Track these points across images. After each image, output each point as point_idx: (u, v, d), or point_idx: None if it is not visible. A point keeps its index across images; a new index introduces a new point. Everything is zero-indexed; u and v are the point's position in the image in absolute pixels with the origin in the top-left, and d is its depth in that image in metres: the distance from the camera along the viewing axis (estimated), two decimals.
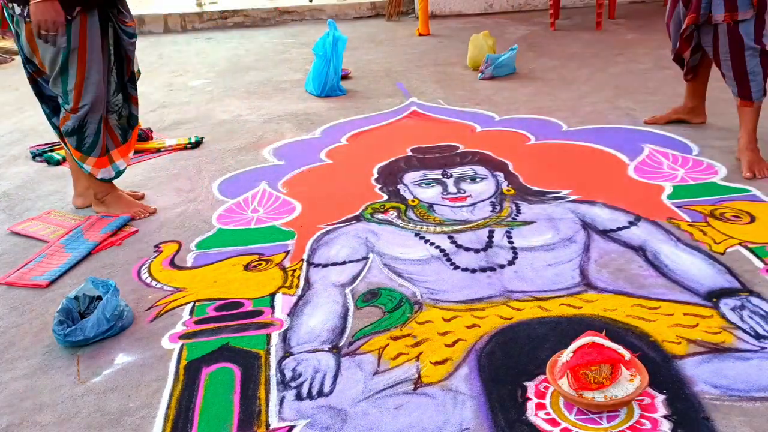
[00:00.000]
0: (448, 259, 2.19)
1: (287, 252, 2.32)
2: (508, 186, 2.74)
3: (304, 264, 2.23)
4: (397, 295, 1.99)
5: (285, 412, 1.55)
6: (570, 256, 2.16)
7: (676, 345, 1.68)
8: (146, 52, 6.15)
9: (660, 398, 1.50)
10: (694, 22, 2.82)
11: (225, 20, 7.43)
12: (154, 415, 1.58)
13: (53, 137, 3.27)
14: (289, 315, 1.94)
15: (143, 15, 7.34)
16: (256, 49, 6.10)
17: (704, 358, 1.63)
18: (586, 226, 2.36)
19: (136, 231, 2.58)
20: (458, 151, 3.17)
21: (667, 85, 4.06)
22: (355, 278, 2.12)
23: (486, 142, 3.28)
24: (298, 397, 1.60)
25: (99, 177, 2.67)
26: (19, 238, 2.60)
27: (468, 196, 2.65)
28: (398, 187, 2.80)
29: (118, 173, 2.74)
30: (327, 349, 1.77)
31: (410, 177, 2.89)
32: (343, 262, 2.21)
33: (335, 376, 1.66)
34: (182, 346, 1.83)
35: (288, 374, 1.68)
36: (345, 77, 4.71)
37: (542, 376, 1.59)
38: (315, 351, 1.76)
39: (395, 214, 2.55)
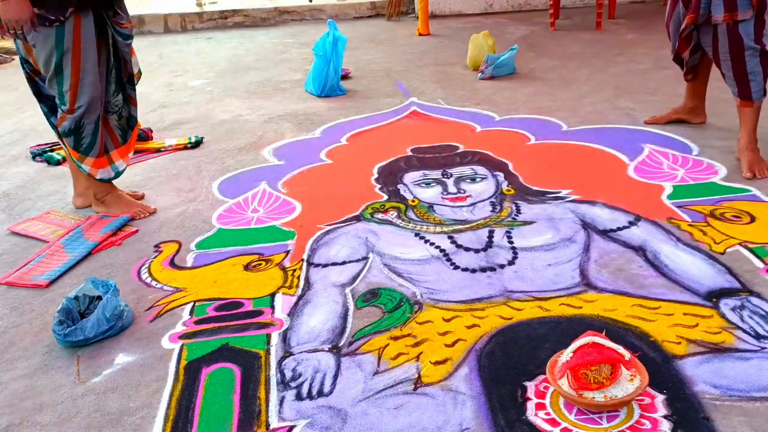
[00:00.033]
0: (448, 259, 2.19)
1: (287, 252, 2.32)
2: (508, 186, 2.74)
3: (304, 264, 2.23)
4: (397, 295, 1.99)
5: (285, 412, 1.55)
6: (570, 256, 2.16)
7: (676, 345, 1.68)
8: (146, 52, 6.15)
9: (660, 398, 1.50)
10: (694, 22, 2.82)
11: (225, 20, 7.43)
12: (154, 415, 1.58)
13: (53, 137, 3.27)
14: (289, 315, 1.94)
15: (143, 15, 7.35)
16: (256, 49, 6.10)
17: (704, 358, 1.63)
18: (586, 226, 2.36)
19: (136, 231, 2.58)
20: (458, 151, 3.17)
21: (667, 85, 4.06)
22: (355, 278, 2.12)
23: (486, 142, 3.28)
24: (298, 397, 1.60)
25: (98, 177, 2.67)
26: (19, 238, 2.60)
27: (468, 196, 2.65)
28: (398, 187, 2.80)
29: (118, 174, 2.74)
30: (327, 349, 1.77)
31: (410, 177, 2.89)
32: (343, 262, 2.21)
33: (335, 376, 1.66)
34: (182, 346, 1.83)
35: (288, 374, 1.68)
36: (345, 77, 4.71)
37: (542, 376, 1.59)
38: (315, 351, 1.76)
39: (395, 214, 2.55)
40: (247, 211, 2.69)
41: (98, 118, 2.59)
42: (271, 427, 1.51)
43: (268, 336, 1.84)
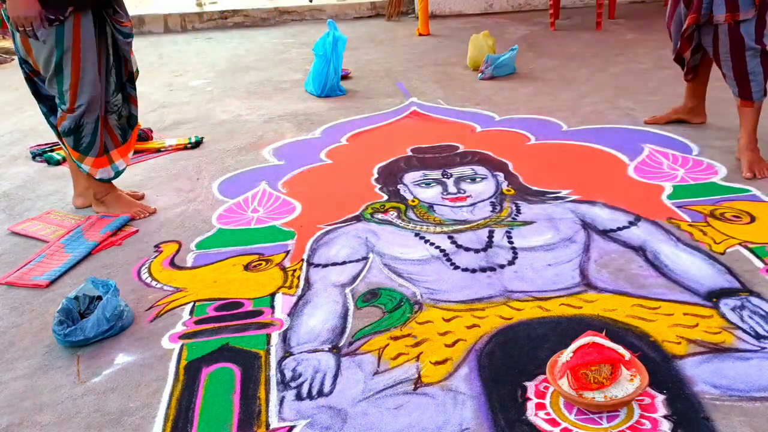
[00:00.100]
0: (448, 259, 2.19)
1: (287, 252, 2.32)
2: (508, 186, 2.74)
3: (304, 264, 2.23)
4: (397, 295, 1.99)
5: (285, 412, 1.55)
6: (570, 256, 2.16)
7: (676, 345, 1.68)
8: (146, 52, 6.16)
9: (660, 398, 1.50)
10: (695, 22, 2.82)
11: (225, 20, 7.43)
12: (154, 415, 1.58)
13: (53, 137, 3.27)
14: (289, 315, 1.94)
15: (143, 15, 7.35)
16: (256, 49, 6.10)
17: (704, 358, 1.63)
18: (586, 226, 2.36)
19: (136, 231, 2.58)
20: (458, 151, 3.17)
21: (667, 85, 4.06)
22: (355, 278, 2.12)
23: (486, 142, 3.28)
24: (298, 397, 1.60)
25: (97, 177, 2.67)
26: (19, 238, 2.60)
27: (468, 196, 2.65)
28: (398, 187, 2.80)
29: (118, 173, 2.74)
30: (327, 349, 1.77)
31: (410, 177, 2.89)
32: (343, 262, 2.21)
33: (335, 376, 1.66)
34: (182, 346, 1.83)
35: (288, 374, 1.68)
36: (345, 77, 4.71)
37: (542, 376, 1.59)
38: (315, 351, 1.76)
39: (395, 214, 2.55)
40: (247, 211, 2.69)
41: (98, 117, 2.59)
42: (271, 427, 1.51)
43: (268, 336, 1.84)
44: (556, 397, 1.52)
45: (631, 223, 2.35)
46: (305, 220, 2.56)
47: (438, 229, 2.40)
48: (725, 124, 3.26)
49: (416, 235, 2.37)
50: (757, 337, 1.70)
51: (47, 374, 1.77)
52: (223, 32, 7.15)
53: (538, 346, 1.71)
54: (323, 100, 4.26)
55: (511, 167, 2.94)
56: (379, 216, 2.54)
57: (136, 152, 3.35)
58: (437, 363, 1.68)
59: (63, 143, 2.66)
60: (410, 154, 3.18)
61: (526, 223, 2.40)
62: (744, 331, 1.72)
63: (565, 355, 1.53)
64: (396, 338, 1.79)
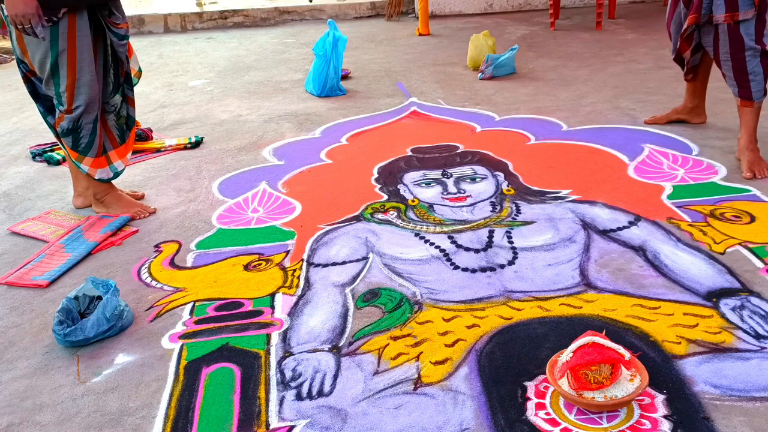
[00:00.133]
0: (448, 259, 2.19)
1: (287, 252, 2.32)
2: (508, 186, 2.74)
3: (304, 264, 2.23)
4: (397, 295, 1.99)
5: (285, 412, 1.56)
6: (570, 256, 2.16)
7: (676, 345, 1.69)
8: (146, 52, 6.16)
9: (660, 398, 1.50)
10: (695, 22, 2.82)
11: (225, 20, 7.43)
12: (154, 415, 1.58)
13: (53, 137, 3.27)
14: (289, 315, 1.94)
15: (143, 15, 7.35)
16: (256, 49, 6.10)
17: (704, 358, 1.63)
18: (586, 226, 2.36)
19: (136, 231, 2.58)
20: (458, 151, 3.17)
21: (667, 85, 4.06)
22: (355, 278, 2.12)
23: (486, 142, 3.28)
24: (298, 397, 1.60)
25: (96, 177, 2.67)
26: (19, 238, 2.60)
27: (468, 196, 2.65)
28: (398, 187, 2.80)
29: (116, 174, 2.74)
30: (327, 349, 1.77)
31: (410, 177, 2.89)
32: (343, 262, 2.21)
33: (335, 376, 1.66)
34: (182, 346, 1.83)
35: (288, 374, 1.68)
36: (345, 77, 4.71)
37: (542, 376, 1.59)
38: (315, 351, 1.76)
39: (395, 214, 2.55)
40: (247, 211, 2.69)
41: (96, 118, 2.58)
42: (271, 427, 1.51)
43: (268, 336, 1.84)
44: (556, 397, 1.52)
45: (631, 223, 2.35)
46: (305, 220, 2.56)
47: (438, 229, 2.40)
48: (725, 124, 3.27)
49: (416, 235, 2.37)
50: (757, 337, 1.70)
51: (47, 374, 1.77)
52: (223, 32, 7.15)
53: (538, 346, 1.71)
54: (323, 100, 4.26)
55: (511, 167, 2.94)
56: (379, 216, 2.54)
57: (135, 152, 3.36)
58: (437, 363, 1.68)
59: (62, 143, 2.66)
60: (410, 154, 3.18)
61: (526, 223, 2.40)
62: (744, 331, 1.72)
63: (565, 355, 1.53)
64: (396, 338, 1.79)
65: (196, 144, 3.53)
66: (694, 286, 1.94)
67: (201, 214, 2.70)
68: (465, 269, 2.12)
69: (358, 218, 2.53)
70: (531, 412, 1.49)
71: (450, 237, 2.33)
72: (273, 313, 1.96)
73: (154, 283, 2.18)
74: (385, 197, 2.71)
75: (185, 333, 1.89)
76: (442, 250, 2.24)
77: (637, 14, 6.66)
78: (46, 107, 2.65)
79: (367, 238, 2.36)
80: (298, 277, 2.14)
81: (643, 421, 1.44)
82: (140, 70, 2.85)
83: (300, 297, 2.03)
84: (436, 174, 2.89)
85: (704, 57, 3.05)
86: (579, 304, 1.89)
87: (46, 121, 2.70)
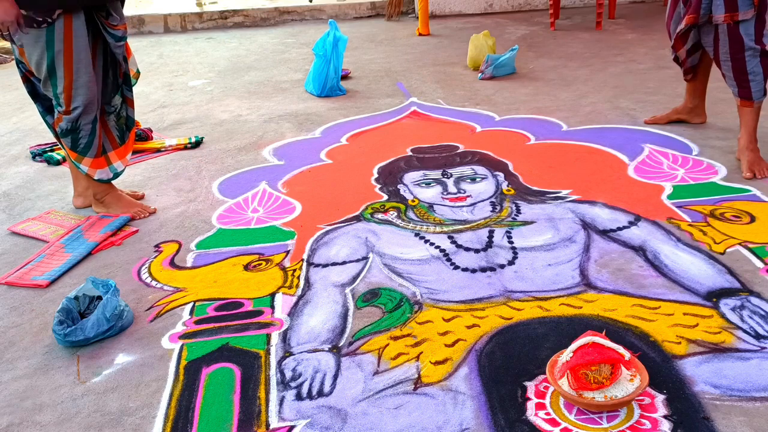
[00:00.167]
0: (448, 259, 2.19)
1: (287, 252, 2.32)
2: (508, 186, 2.74)
3: (304, 264, 2.23)
4: (397, 295, 1.99)
5: (285, 412, 1.56)
6: (570, 256, 2.16)
7: (676, 345, 1.69)
8: (146, 52, 6.16)
9: (660, 398, 1.50)
10: (694, 22, 2.82)
11: (225, 20, 7.43)
12: (154, 415, 1.58)
13: (53, 137, 3.27)
14: (289, 315, 1.94)
15: (143, 15, 7.35)
16: (256, 49, 6.10)
17: (704, 358, 1.63)
18: (586, 226, 2.36)
19: (136, 231, 2.58)
20: (458, 151, 3.17)
21: (667, 85, 4.06)
22: (355, 278, 2.12)
23: (486, 142, 3.28)
24: (298, 397, 1.60)
25: (96, 178, 2.67)
26: (19, 238, 2.60)
27: (468, 196, 2.65)
28: (398, 187, 2.80)
29: (116, 175, 2.74)
30: (327, 349, 1.77)
31: (410, 177, 2.89)
32: (343, 262, 2.21)
33: (335, 376, 1.66)
34: (182, 346, 1.83)
35: (288, 374, 1.68)
36: (345, 77, 4.71)
37: (542, 376, 1.59)
38: (315, 351, 1.76)
39: (395, 214, 2.55)
40: (247, 211, 2.69)
41: (95, 118, 2.58)
42: (271, 427, 1.51)
43: (268, 336, 1.84)
44: (556, 397, 1.52)
45: (631, 223, 2.35)
46: (305, 220, 2.56)
47: (438, 229, 2.40)
48: (725, 124, 3.27)
49: (416, 235, 2.37)
50: (757, 337, 1.70)
51: (47, 374, 1.77)
52: (223, 32, 7.15)
53: (538, 346, 1.71)
54: (323, 100, 4.26)
55: (511, 167, 2.94)
56: (379, 216, 2.54)
57: (135, 152, 3.36)
58: (437, 363, 1.68)
59: (61, 143, 2.67)
60: (410, 154, 3.18)
61: (526, 223, 2.40)
62: (744, 331, 1.72)
63: (565, 355, 1.53)
64: (396, 338, 1.79)
65: (196, 144, 3.53)
66: (694, 286, 1.94)
67: (201, 214, 2.70)
68: (465, 269, 2.12)
69: (358, 218, 2.53)
70: (531, 412, 1.49)
71: (450, 237, 2.33)
72: (273, 313, 1.96)
73: (154, 283, 2.18)
74: (385, 197, 2.71)
75: (185, 333, 1.89)
76: (442, 250, 2.24)
77: (637, 14, 6.66)
78: (45, 107, 2.65)
79: (367, 238, 2.36)
80: (298, 277, 2.14)
81: (643, 421, 1.44)
82: (138, 72, 2.85)
83: (300, 297, 2.03)
84: (436, 174, 2.89)
85: (704, 57, 3.05)
86: (579, 304, 1.89)
87: (45, 121, 2.70)
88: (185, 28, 7.39)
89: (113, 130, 2.73)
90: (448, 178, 2.84)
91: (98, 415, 1.60)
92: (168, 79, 5.11)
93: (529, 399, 1.53)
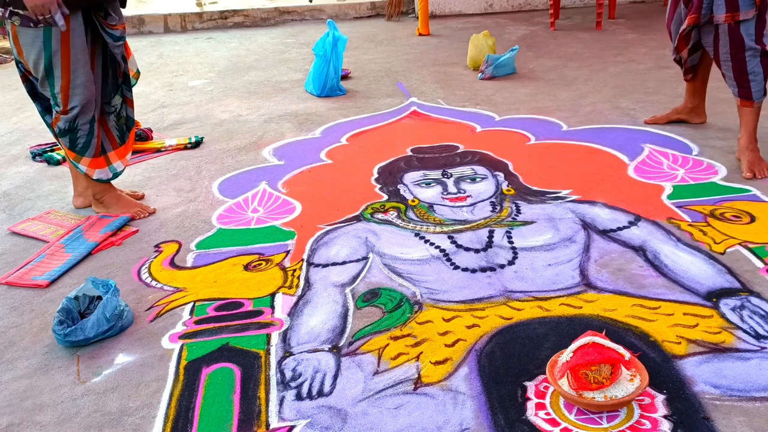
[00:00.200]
0: (448, 259, 2.19)
1: (287, 252, 2.32)
2: (508, 186, 2.74)
3: (304, 264, 2.23)
4: (397, 295, 1.99)
5: (285, 412, 1.56)
6: (570, 256, 2.16)
7: (676, 345, 1.69)
8: (146, 52, 6.16)
9: (660, 398, 1.50)
10: (696, 22, 2.82)
11: (225, 20, 7.43)
12: (154, 415, 1.58)
13: (53, 137, 3.27)
14: (289, 315, 1.94)
15: (143, 15, 7.35)
16: (256, 49, 6.10)
17: (704, 358, 1.63)
18: (586, 226, 2.36)
19: (136, 231, 2.58)
20: (458, 151, 3.17)
21: (667, 85, 4.06)
22: (355, 278, 2.12)
23: (486, 142, 3.28)
24: (298, 397, 1.60)
25: (95, 177, 2.67)
26: (19, 238, 2.60)
27: (468, 196, 2.65)
28: (398, 187, 2.80)
29: (116, 175, 2.74)
30: (327, 349, 1.77)
31: (410, 177, 2.89)
32: (343, 262, 2.21)
33: (335, 376, 1.66)
34: (182, 346, 1.83)
35: (288, 374, 1.68)
36: (345, 77, 4.71)
37: (542, 376, 1.59)
38: (315, 351, 1.76)
39: (395, 214, 2.55)
40: (247, 211, 2.69)
41: (93, 118, 2.58)
42: (271, 427, 1.51)
43: (268, 336, 1.84)
44: (556, 397, 1.52)
45: (631, 223, 2.35)
46: (305, 220, 2.56)
47: (438, 229, 2.40)
48: (725, 124, 3.27)
49: (416, 235, 2.37)
50: (757, 337, 1.70)
51: (47, 374, 1.77)
52: (223, 32, 7.15)
53: (538, 346, 1.71)
54: (323, 100, 4.26)
55: (511, 167, 2.94)
56: (379, 216, 2.54)
57: (135, 152, 3.36)
58: (437, 363, 1.68)
59: (60, 143, 2.67)
60: (410, 154, 3.18)
61: (526, 223, 2.40)
62: (744, 331, 1.72)
63: (565, 355, 1.53)
64: (396, 338, 1.79)
65: (196, 144, 3.53)
66: (694, 286, 1.94)
67: (201, 214, 2.70)
68: (465, 269, 2.12)
69: (358, 218, 2.53)
70: (531, 412, 1.49)
71: (450, 237, 2.33)
72: (273, 313, 1.96)
73: (154, 283, 2.18)
74: (385, 197, 2.71)
75: (185, 333, 1.89)
76: (442, 250, 2.24)
77: (637, 14, 6.66)
78: (44, 106, 2.65)
79: (367, 238, 2.36)
80: (298, 277, 2.14)
81: (643, 421, 1.44)
82: (138, 72, 2.85)
83: (300, 297, 2.03)
84: (436, 174, 2.89)
85: (704, 57, 3.05)
86: (579, 304, 1.89)
87: (45, 120, 2.70)
88: (185, 28, 7.39)
89: (113, 130, 2.73)
90: (448, 178, 2.84)
91: (98, 415, 1.60)
92: (168, 79, 5.11)
93: (529, 399, 1.53)
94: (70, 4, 2.38)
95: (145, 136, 3.56)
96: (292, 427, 1.51)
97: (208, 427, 1.52)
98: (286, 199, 2.77)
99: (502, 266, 2.12)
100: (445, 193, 2.70)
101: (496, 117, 3.70)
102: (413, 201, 2.65)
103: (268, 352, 1.77)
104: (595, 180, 2.76)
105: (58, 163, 3.37)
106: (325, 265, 2.20)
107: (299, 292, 2.06)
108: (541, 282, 2.02)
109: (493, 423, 1.47)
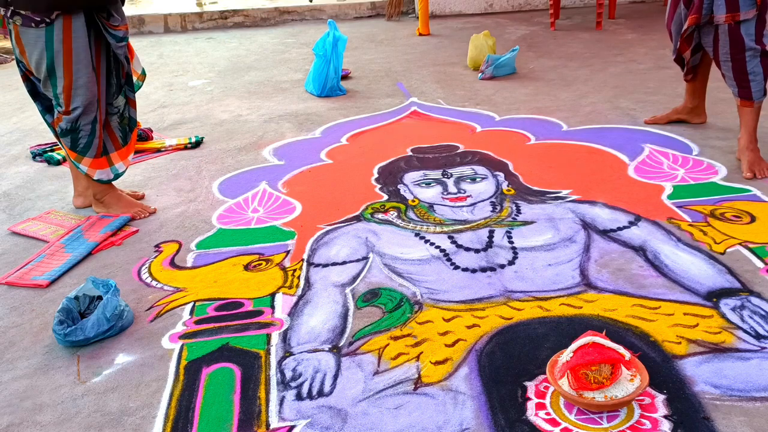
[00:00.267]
0: (448, 259, 2.19)
1: (287, 252, 2.32)
2: (508, 186, 2.74)
3: (304, 264, 2.23)
4: (398, 295, 1.99)
5: (285, 412, 1.56)
6: (570, 256, 2.16)
7: (676, 345, 1.68)
8: (146, 52, 6.15)
9: (660, 398, 1.50)
10: (696, 22, 2.82)
11: (225, 20, 7.43)
12: (154, 415, 1.58)
13: (53, 137, 3.27)
14: (289, 315, 1.94)
15: (143, 15, 7.35)
16: (256, 49, 6.10)
17: (704, 358, 1.63)
18: (586, 226, 2.36)
19: (136, 231, 2.58)
20: (458, 151, 3.17)
21: (667, 85, 4.06)
22: (355, 278, 2.12)
23: (486, 142, 3.28)
24: (298, 397, 1.60)
25: (95, 178, 2.67)
26: (19, 238, 2.60)
27: (468, 196, 2.65)
28: (398, 187, 2.80)
29: (117, 176, 2.74)
30: (327, 349, 1.77)
31: (410, 177, 2.89)
32: (344, 262, 2.21)
33: (335, 376, 1.66)
34: (182, 346, 1.83)
35: (288, 374, 1.68)
36: (345, 77, 4.71)
37: (542, 376, 1.59)
38: (315, 351, 1.76)
39: (395, 214, 2.55)
40: (247, 211, 2.69)
41: (95, 119, 2.58)
42: (271, 427, 1.51)
43: (268, 336, 1.84)
44: (557, 397, 1.52)
45: (631, 223, 2.35)
46: (305, 220, 2.56)
47: (438, 229, 2.40)
48: (725, 124, 3.27)
49: (416, 235, 2.37)
50: (757, 337, 1.70)
51: (47, 374, 1.77)
52: (223, 32, 7.15)
53: (538, 346, 1.71)
54: (323, 100, 4.26)
55: (511, 167, 2.94)
56: (380, 216, 2.54)
57: (136, 152, 3.35)
58: (437, 363, 1.68)
59: (61, 143, 2.67)
60: (410, 154, 3.18)
61: (526, 223, 2.40)
62: (744, 331, 1.72)
63: (565, 355, 1.53)
64: (396, 338, 1.79)
65: (196, 144, 3.53)
66: (695, 286, 1.94)
67: (201, 214, 2.70)
68: (465, 269, 2.12)
69: (358, 218, 2.53)
70: (531, 412, 1.49)
71: (450, 237, 2.33)
72: (273, 313, 1.96)
73: (154, 283, 2.18)
74: (386, 197, 2.71)
75: (185, 333, 1.89)
76: (443, 250, 2.24)
77: (637, 14, 6.66)
78: (45, 106, 2.65)
79: (367, 238, 2.36)
80: (298, 277, 2.14)
81: (644, 421, 1.44)
82: (144, 74, 2.84)
83: (300, 297, 2.03)
84: (436, 174, 2.89)
85: (704, 57, 3.05)
86: (579, 304, 1.89)
87: (45, 120, 2.70)
88: (185, 28, 7.39)
89: (116, 130, 2.73)
90: (449, 178, 2.84)
91: (98, 415, 1.60)
92: (168, 79, 5.11)
93: (529, 399, 1.53)
94: (71, 5, 2.38)
95: (145, 136, 3.56)
96: (293, 427, 1.51)
97: (208, 427, 1.52)
98: (287, 199, 2.77)
99: (502, 266, 2.12)
100: (445, 193, 2.70)
101: (496, 117, 3.70)
102: (413, 201, 2.65)
103: (268, 352, 1.77)
104: (595, 180, 2.76)
105: (58, 163, 3.37)
106: (325, 265, 2.20)
107: (299, 292, 2.06)
108: (542, 282, 2.02)
109: (493, 423, 1.47)
